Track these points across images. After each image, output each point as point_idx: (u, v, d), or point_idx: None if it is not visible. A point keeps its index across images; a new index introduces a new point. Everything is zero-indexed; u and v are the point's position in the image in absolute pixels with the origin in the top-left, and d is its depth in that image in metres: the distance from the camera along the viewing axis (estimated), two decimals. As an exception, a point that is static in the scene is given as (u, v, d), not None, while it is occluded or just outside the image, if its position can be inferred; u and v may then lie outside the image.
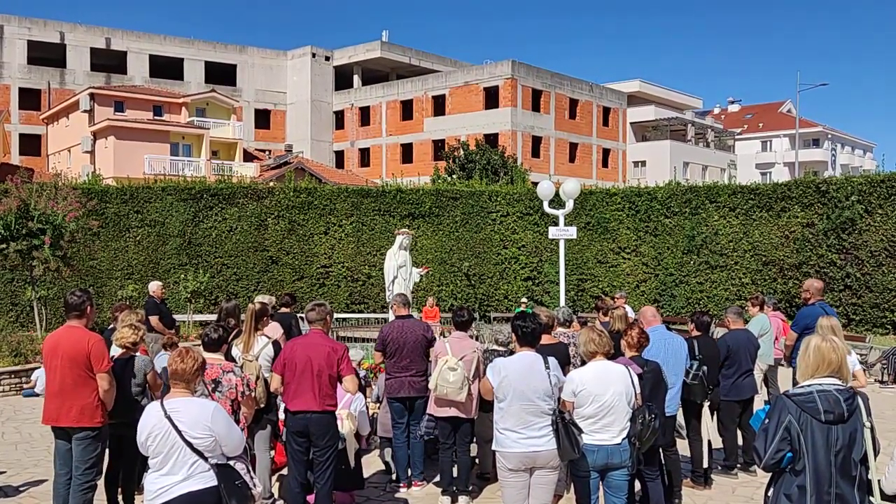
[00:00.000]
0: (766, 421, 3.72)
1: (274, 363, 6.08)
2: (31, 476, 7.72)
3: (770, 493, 3.81)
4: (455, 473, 6.95)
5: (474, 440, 7.28)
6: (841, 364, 3.72)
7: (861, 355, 13.86)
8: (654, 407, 5.37)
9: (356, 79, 57.70)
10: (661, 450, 6.38)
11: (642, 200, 21.33)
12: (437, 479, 7.34)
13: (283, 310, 10.06)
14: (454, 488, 6.84)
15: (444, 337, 7.80)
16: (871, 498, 3.74)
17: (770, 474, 3.84)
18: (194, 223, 20.28)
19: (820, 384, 3.71)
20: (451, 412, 6.72)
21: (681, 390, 6.75)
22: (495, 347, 7.30)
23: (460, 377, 6.50)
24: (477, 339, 15.02)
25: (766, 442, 3.67)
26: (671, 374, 6.55)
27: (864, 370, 13.38)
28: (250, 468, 4.54)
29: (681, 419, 7.23)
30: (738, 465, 7.82)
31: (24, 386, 12.23)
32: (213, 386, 5.47)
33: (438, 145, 48.53)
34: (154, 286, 12.71)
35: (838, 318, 7.24)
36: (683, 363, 6.74)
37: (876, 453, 3.74)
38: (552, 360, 5.09)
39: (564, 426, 4.84)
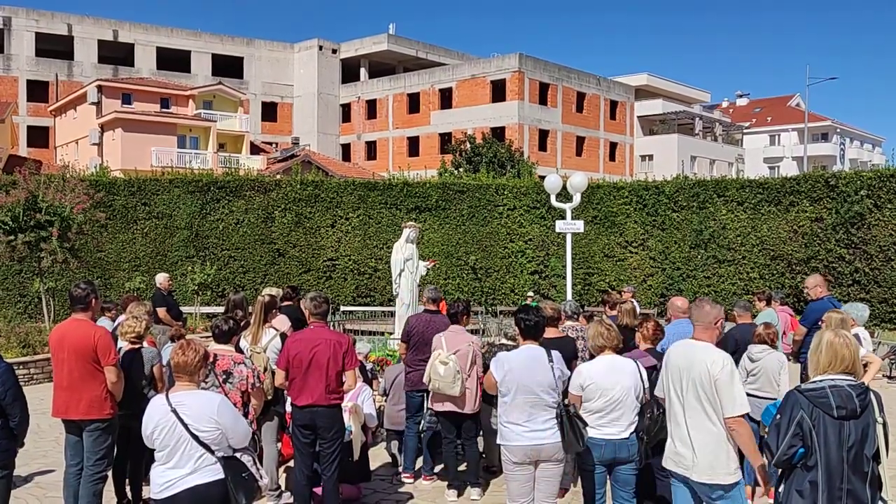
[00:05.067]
0: (778, 416, 3.69)
1: (278, 358, 6.04)
2: (39, 466, 7.75)
3: (781, 489, 3.78)
4: (463, 467, 6.95)
5: (480, 433, 7.26)
6: (854, 360, 3.69)
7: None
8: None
9: (363, 72, 57.63)
10: None
11: (650, 194, 21.23)
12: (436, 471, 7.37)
13: (286, 303, 10.04)
14: (459, 482, 6.84)
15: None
16: (881, 494, 3.72)
17: (780, 470, 3.82)
18: (201, 216, 20.30)
19: (832, 379, 3.68)
20: (448, 407, 6.65)
21: None
22: (505, 341, 7.28)
23: (452, 371, 6.43)
24: (483, 332, 15.06)
25: (778, 437, 3.65)
26: None
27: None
28: (256, 460, 4.54)
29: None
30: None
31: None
32: (224, 377, 5.48)
33: (445, 138, 48.44)
34: (161, 278, 12.74)
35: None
36: None
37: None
38: (556, 354, 5.09)
39: (569, 419, 4.84)
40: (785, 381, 6.56)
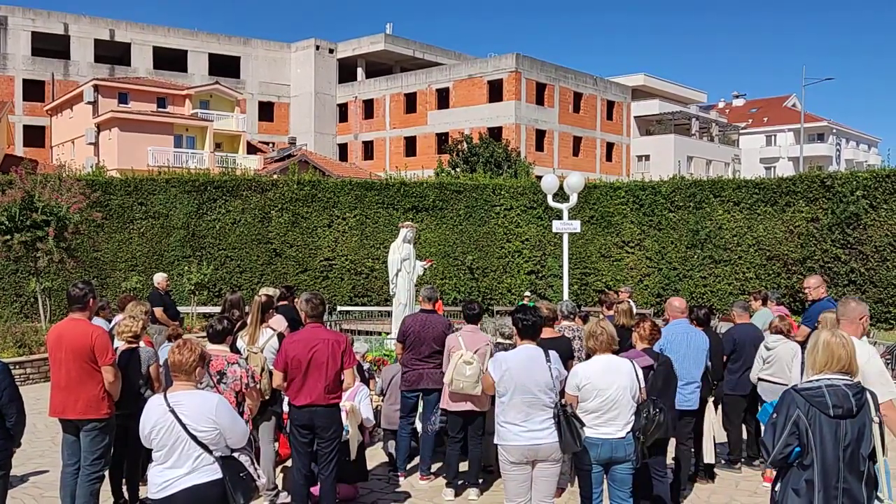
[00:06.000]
0: (775, 415, 3.70)
1: (275, 360, 6.01)
2: (36, 466, 7.74)
3: (777, 488, 3.80)
4: (465, 467, 6.94)
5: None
6: (850, 360, 3.70)
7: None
8: (661, 401, 5.36)
9: (360, 71, 57.58)
10: (677, 444, 6.41)
11: (646, 194, 21.25)
12: (437, 470, 7.35)
13: (282, 303, 10.03)
14: (459, 482, 6.84)
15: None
16: (878, 493, 3.73)
17: (777, 469, 3.83)
18: (198, 215, 20.28)
19: (829, 379, 3.69)
20: (467, 406, 6.70)
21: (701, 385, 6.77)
22: (500, 340, 7.30)
23: (476, 371, 6.46)
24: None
25: (775, 436, 3.66)
26: (692, 368, 6.55)
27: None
28: (254, 459, 4.54)
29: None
30: (742, 460, 7.83)
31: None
32: (217, 377, 5.47)
33: (442, 138, 48.42)
34: (158, 278, 12.73)
35: None
36: (704, 358, 6.73)
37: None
38: (553, 354, 5.11)
39: (566, 419, 4.85)
40: (797, 368, 6.72)
